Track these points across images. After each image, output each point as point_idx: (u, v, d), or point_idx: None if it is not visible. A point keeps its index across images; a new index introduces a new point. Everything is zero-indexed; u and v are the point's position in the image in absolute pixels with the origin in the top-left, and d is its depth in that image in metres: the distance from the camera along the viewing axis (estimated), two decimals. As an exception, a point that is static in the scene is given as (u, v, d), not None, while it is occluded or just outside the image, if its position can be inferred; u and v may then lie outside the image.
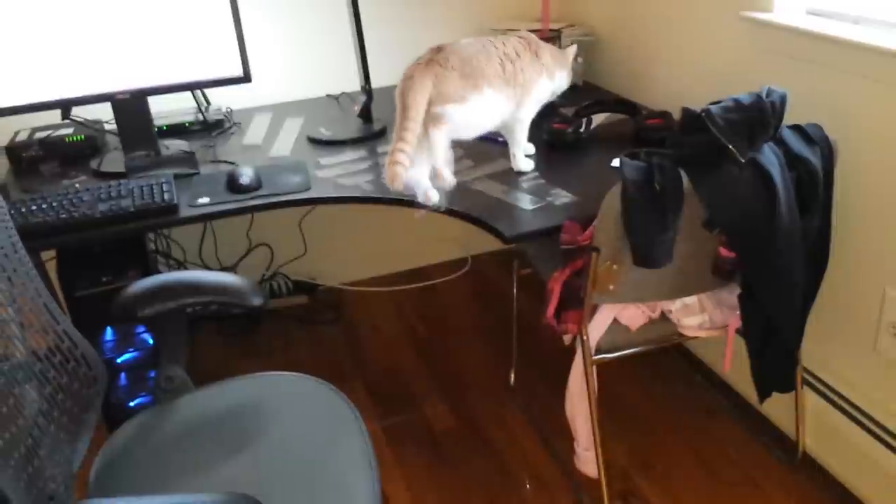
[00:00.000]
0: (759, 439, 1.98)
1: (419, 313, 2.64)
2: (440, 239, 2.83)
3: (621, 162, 1.42)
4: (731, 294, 1.62)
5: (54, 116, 1.95)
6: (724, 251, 1.50)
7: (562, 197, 1.66)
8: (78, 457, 1.18)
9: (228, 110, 2.29)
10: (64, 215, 1.61)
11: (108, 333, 1.89)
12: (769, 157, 1.41)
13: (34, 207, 1.62)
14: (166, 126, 2.16)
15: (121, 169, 1.87)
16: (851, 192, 1.58)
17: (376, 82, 2.14)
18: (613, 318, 1.64)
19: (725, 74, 1.90)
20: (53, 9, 1.76)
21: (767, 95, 1.42)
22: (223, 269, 2.57)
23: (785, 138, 1.47)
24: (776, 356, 1.62)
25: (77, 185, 1.81)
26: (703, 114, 1.38)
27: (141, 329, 1.91)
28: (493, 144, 1.92)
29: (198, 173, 1.86)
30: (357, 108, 2.17)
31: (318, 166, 1.90)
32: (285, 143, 2.07)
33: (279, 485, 1.18)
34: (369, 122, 2.15)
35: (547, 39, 2.06)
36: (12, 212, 1.60)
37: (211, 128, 2.19)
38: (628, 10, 2.28)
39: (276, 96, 2.42)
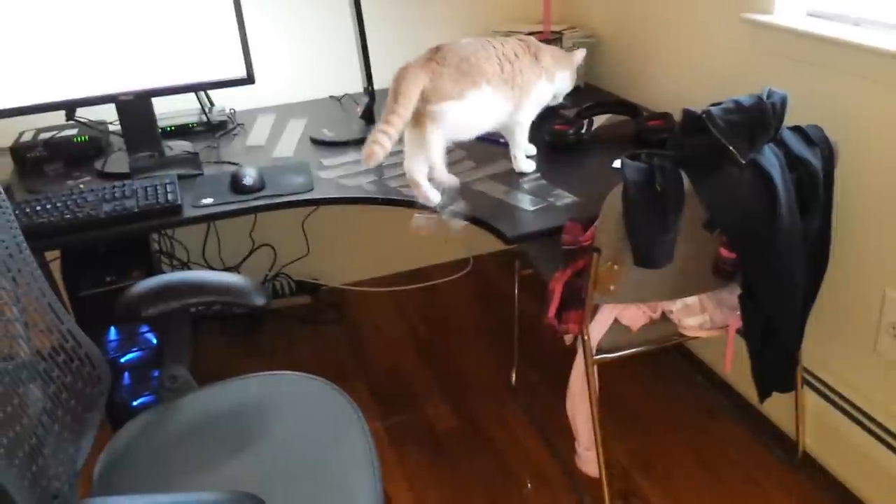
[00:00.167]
0: (759, 439, 1.98)
1: (421, 313, 2.65)
2: (442, 239, 2.83)
3: (622, 163, 1.42)
4: (732, 294, 1.63)
5: (59, 117, 1.95)
6: (724, 252, 1.51)
7: (563, 198, 1.67)
8: (82, 455, 1.19)
9: (232, 111, 2.29)
10: (68, 216, 1.62)
11: (112, 333, 1.90)
12: (770, 158, 1.42)
13: (39, 208, 1.63)
14: (170, 127, 2.17)
15: (125, 169, 1.88)
16: (852, 193, 1.58)
17: (379, 84, 2.15)
18: (614, 318, 1.65)
19: (726, 76, 1.90)
20: (58, 10, 1.77)
21: (768, 97, 1.42)
22: (226, 269, 2.58)
23: (785, 139, 1.47)
24: (776, 356, 1.63)
25: (81, 186, 1.82)
26: (704, 115, 1.39)
27: (144, 329, 1.92)
28: (494, 145, 1.93)
29: (201, 174, 1.87)
30: (359, 110, 2.17)
31: (321, 167, 1.91)
32: (288, 144, 2.08)
33: (282, 484, 1.19)
34: (372, 123, 2.14)
35: (548, 41, 2.07)
36: (17, 212, 1.61)
37: (214, 129, 2.20)
38: (629, 12, 2.28)
39: (279, 97, 2.43)
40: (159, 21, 1.85)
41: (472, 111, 1.62)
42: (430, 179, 1.65)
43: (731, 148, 1.37)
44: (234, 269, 2.59)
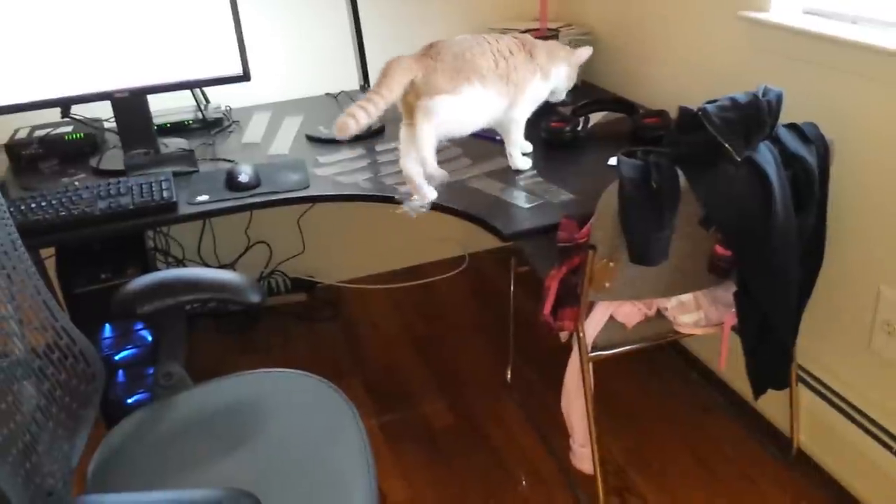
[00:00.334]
0: (754, 436, 1.98)
1: (417, 311, 2.65)
2: (438, 237, 2.83)
3: (618, 160, 1.42)
4: (727, 292, 1.63)
5: (54, 114, 1.95)
6: (719, 249, 1.51)
7: (559, 195, 1.67)
8: (76, 453, 1.18)
9: (228, 108, 2.29)
10: (63, 213, 1.61)
11: (107, 330, 1.90)
12: (765, 155, 1.42)
13: (34, 205, 1.63)
14: (166, 124, 2.16)
15: (120, 167, 1.87)
16: (847, 190, 1.58)
17: (374, 81, 2.14)
18: (610, 315, 1.65)
19: (722, 73, 1.91)
20: (53, 7, 1.77)
21: (764, 94, 1.42)
22: (222, 266, 2.58)
23: (781, 137, 1.47)
24: (771, 353, 1.63)
25: (76, 183, 1.82)
26: (700, 112, 1.39)
27: (139, 326, 1.92)
28: (490, 143, 1.93)
29: (197, 171, 1.87)
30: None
31: (317, 164, 1.91)
32: (284, 142, 2.08)
33: (277, 481, 1.19)
34: (368, 120, 2.15)
35: (545, 38, 2.07)
36: (12, 209, 1.60)
37: (210, 126, 2.19)
38: (626, 9, 2.28)
39: (275, 95, 2.42)
40: (155, 18, 1.85)
41: (465, 106, 1.61)
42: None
43: (726, 145, 1.37)
44: (229, 266, 2.59)
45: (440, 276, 2.83)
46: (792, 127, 1.51)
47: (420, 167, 1.63)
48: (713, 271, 1.56)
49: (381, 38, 2.27)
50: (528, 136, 1.84)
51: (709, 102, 1.41)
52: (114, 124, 1.99)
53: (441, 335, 2.51)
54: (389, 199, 1.71)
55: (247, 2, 2.07)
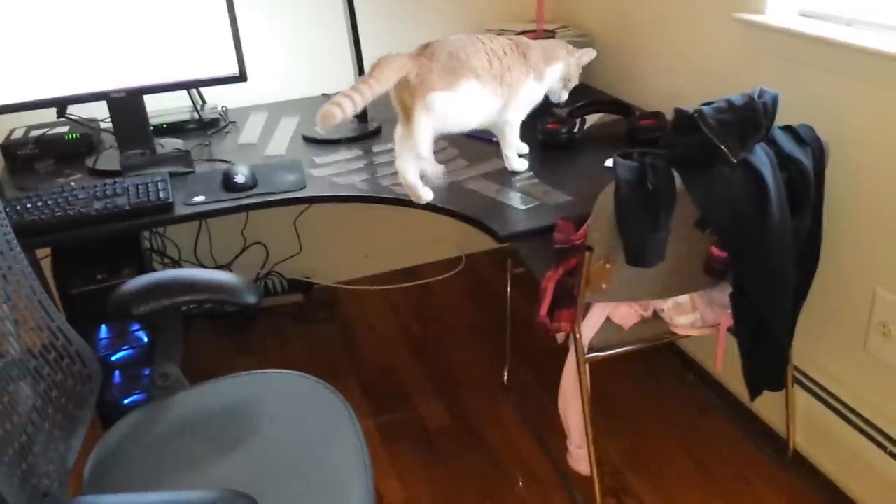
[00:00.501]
0: (750, 437, 1.99)
1: (414, 312, 2.65)
2: (435, 238, 2.83)
3: (615, 162, 1.42)
4: (723, 293, 1.63)
5: (50, 114, 1.94)
6: (715, 250, 1.51)
7: (555, 196, 1.67)
8: (72, 454, 1.18)
9: (224, 109, 2.29)
10: (59, 213, 1.61)
11: (103, 331, 1.90)
12: (761, 157, 1.42)
13: (29, 205, 1.63)
14: (162, 124, 2.16)
15: (116, 167, 1.87)
16: (842, 192, 1.59)
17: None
18: (606, 316, 1.65)
19: (718, 75, 1.91)
20: (50, 7, 1.77)
21: (759, 96, 1.42)
22: (218, 267, 2.58)
23: (777, 139, 1.48)
24: (767, 355, 1.63)
25: (72, 183, 1.81)
26: (696, 114, 1.39)
27: (136, 327, 1.92)
28: (487, 144, 1.93)
29: (193, 172, 1.87)
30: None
31: (314, 165, 1.91)
32: (281, 142, 2.08)
33: (273, 482, 1.19)
34: (364, 121, 2.15)
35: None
36: (7, 210, 1.60)
37: (206, 126, 2.19)
38: (622, 11, 2.29)
39: (271, 95, 2.42)
40: (152, 18, 1.85)
41: (461, 103, 1.61)
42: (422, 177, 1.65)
43: (722, 147, 1.37)
44: (225, 267, 2.59)
45: (437, 277, 2.83)
46: (787, 129, 1.52)
47: (416, 167, 1.64)
48: (709, 273, 1.57)
49: (377, 39, 2.26)
50: (525, 137, 1.84)
51: (705, 104, 1.41)
52: (110, 124, 1.99)
53: (437, 336, 2.51)
54: (386, 201, 1.71)
55: (243, 2, 2.07)
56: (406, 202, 1.68)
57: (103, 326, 1.89)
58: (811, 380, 1.79)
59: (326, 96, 2.42)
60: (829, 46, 1.55)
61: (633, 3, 2.22)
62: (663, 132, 1.74)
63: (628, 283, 1.55)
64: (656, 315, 1.68)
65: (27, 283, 1.19)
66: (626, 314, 1.65)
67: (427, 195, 1.65)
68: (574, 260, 1.54)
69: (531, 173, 1.80)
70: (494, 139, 1.85)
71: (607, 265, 1.50)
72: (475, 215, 1.60)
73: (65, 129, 2.04)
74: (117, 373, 1.91)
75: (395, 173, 1.69)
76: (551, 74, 1.79)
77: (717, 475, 1.89)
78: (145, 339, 1.92)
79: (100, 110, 2.04)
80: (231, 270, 2.54)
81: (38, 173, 1.93)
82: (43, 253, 1.96)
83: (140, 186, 1.70)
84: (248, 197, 1.73)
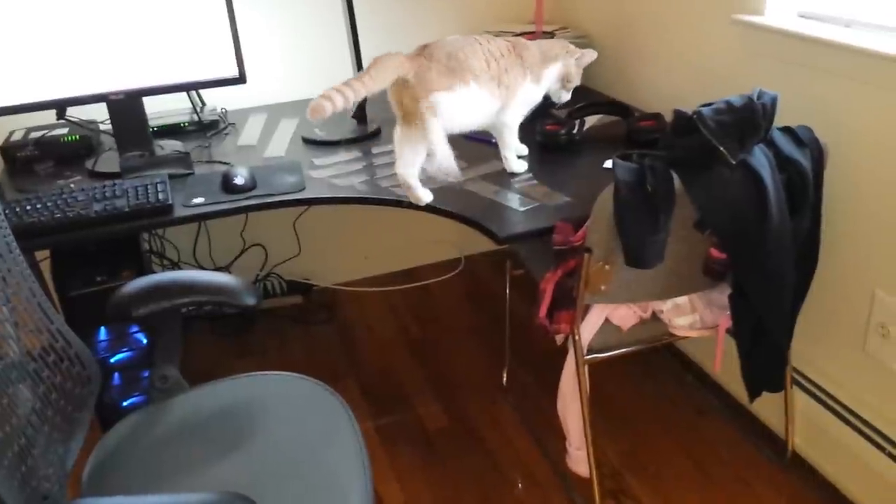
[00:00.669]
0: (749, 439, 1.99)
1: (413, 313, 2.65)
2: (434, 240, 2.83)
3: (614, 163, 1.42)
4: (722, 294, 1.63)
5: (49, 116, 1.94)
6: (714, 252, 1.52)
7: (554, 198, 1.67)
8: (71, 456, 1.18)
9: (223, 111, 2.29)
10: (58, 215, 1.61)
11: (102, 333, 1.90)
12: (760, 158, 1.42)
13: (29, 207, 1.63)
14: (161, 126, 2.16)
15: (115, 169, 1.87)
16: (841, 193, 1.59)
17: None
18: (605, 318, 1.65)
19: (717, 77, 1.91)
20: (49, 9, 1.77)
21: (758, 98, 1.42)
22: (217, 269, 2.58)
23: (775, 140, 1.48)
24: (766, 356, 1.64)
25: (72, 185, 1.81)
26: (695, 116, 1.39)
27: (135, 329, 1.91)
28: (486, 145, 1.93)
29: (192, 173, 1.87)
30: (351, 109, 2.17)
31: (313, 167, 1.91)
32: (280, 144, 2.08)
33: (273, 484, 1.19)
34: (363, 123, 2.15)
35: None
36: (7, 211, 1.60)
37: (206, 128, 2.19)
38: (621, 12, 2.29)
39: (271, 97, 2.42)
40: (151, 20, 1.85)
41: (461, 103, 1.60)
42: (421, 179, 1.65)
43: (721, 148, 1.37)
44: (225, 268, 2.59)
45: (436, 278, 2.83)
46: (786, 130, 1.52)
47: (415, 169, 1.64)
48: (708, 274, 1.57)
49: (376, 41, 2.26)
50: (524, 138, 1.85)
51: (704, 105, 1.42)
52: (109, 126, 1.99)
53: (436, 338, 2.51)
54: (385, 202, 1.71)
55: (243, 3, 2.07)
56: (405, 204, 1.68)
57: (102, 328, 1.89)
58: (810, 381, 1.79)
59: (325, 98, 2.43)
60: (828, 48, 1.55)
61: (633, 5, 2.22)
62: (662, 134, 1.75)
63: (627, 285, 1.56)
64: (655, 316, 1.68)
65: (26, 285, 1.19)
66: (626, 315, 1.65)
67: (426, 197, 1.65)
68: (573, 261, 1.54)
69: (530, 175, 1.80)
70: (493, 140, 1.85)
71: (606, 267, 1.50)
72: (474, 217, 1.60)
73: (64, 130, 2.04)
74: (116, 375, 1.91)
75: (395, 174, 1.69)
76: (549, 75, 1.79)
77: (717, 476, 1.89)
78: (144, 341, 1.92)
79: (99, 112, 2.04)
80: (230, 272, 2.54)
81: (38, 175, 1.93)
82: (42, 255, 1.96)
83: (139, 188, 1.70)
84: (247, 199, 1.73)
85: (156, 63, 1.89)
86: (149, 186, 1.70)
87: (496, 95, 1.68)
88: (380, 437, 2.07)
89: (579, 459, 1.74)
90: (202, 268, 2.54)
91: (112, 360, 1.90)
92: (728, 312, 1.62)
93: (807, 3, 1.71)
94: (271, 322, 2.61)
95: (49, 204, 1.64)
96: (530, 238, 1.57)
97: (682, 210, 1.41)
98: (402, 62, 1.56)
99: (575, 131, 1.96)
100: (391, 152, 1.69)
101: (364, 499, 1.18)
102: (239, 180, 1.76)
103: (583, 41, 2.41)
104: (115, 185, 1.72)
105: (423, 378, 2.31)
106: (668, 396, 2.17)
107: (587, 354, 1.64)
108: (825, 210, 1.56)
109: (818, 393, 1.77)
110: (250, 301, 1.34)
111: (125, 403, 1.91)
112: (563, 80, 1.83)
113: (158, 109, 2.20)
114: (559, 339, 1.67)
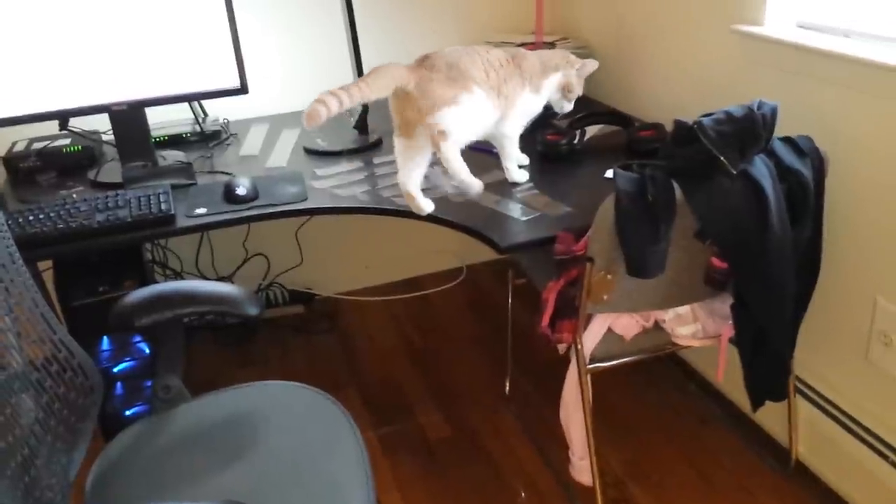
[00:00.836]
0: (752, 448, 1.98)
1: (414, 323, 2.65)
2: (435, 249, 2.84)
3: (614, 173, 1.43)
4: (724, 304, 1.63)
5: (52, 127, 1.95)
6: (716, 261, 1.52)
7: (556, 208, 1.67)
8: (74, 466, 1.18)
9: (225, 121, 2.30)
10: (61, 225, 1.62)
11: (105, 343, 1.90)
12: (760, 168, 1.43)
13: (31, 218, 1.63)
14: (163, 137, 2.17)
15: (118, 179, 1.87)
16: (842, 202, 1.59)
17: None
18: (608, 327, 1.65)
19: (717, 87, 1.92)
20: (52, 20, 1.78)
21: (759, 108, 1.43)
22: (220, 278, 2.58)
23: (776, 150, 1.48)
24: (768, 365, 1.64)
25: (74, 196, 1.82)
26: (695, 126, 1.40)
27: (137, 339, 1.92)
28: (487, 155, 1.93)
29: (195, 184, 1.87)
30: (353, 120, 2.18)
31: (315, 177, 1.91)
32: (282, 154, 2.08)
33: (275, 494, 1.19)
34: (365, 133, 2.16)
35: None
36: (9, 222, 1.60)
37: (208, 139, 2.20)
38: (621, 22, 2.30)
39: (272, 107, 2.43)
40: (153, 31, 1.86)
41: (466, 115, 1.60)
42: (425, 189, 1.65)
43: (721, 158, 1.38)
44: (227, 278, 2.59)
45: (437, 288, 2.83)
46: (787, 140, 1.52)
47: (416, 179, 1.64)
48: (710, 283, 1.57)
49: (378, 52, 2.27)
50: (525, 148, 1.85)
51: (704, 115, 1.42)
52: (112, 137, 2.00)
53: (438, 347, 2.51)
54: (387, 212, 1.71)
55: (244, 14, 2.08)
56: (407, 213, 1.69)
57: (105, 338, 1.89)
58: (813, 390, 1.79)
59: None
60: (827, 58, 1.56)
61: (633, 15, 2.23)
62: (663, 143, 1.75)
63: (629, 294, 1.56)
64: (657, 326, 1.69)
65: (29, 295, 1.19)
66: (628, 325, 1.65)
67: (428, 206, 1.66)
68: (575, 271, 1.54)
69: (531, 184, 1.81)
70: (494, 150, 1.86)
71: (608, 276, 1.50)
72: (476, 226, 1.61)
73: (66, 141, 2.05)
74: (119, 385, 1.91)
75: (397, 185, 1.69)
76: (548, 86, 1.79)
77: (719, 485, 1.88)
78: (147, 351, 1.92)
79: (101, 123, 2.05)
80: (233, 282, 2.55)
81: (40, 186, 1.93)
82: (45, 265, 1.97)
83: (142, 199, 1.71)
84: (249, 209, 1.74)
85: (158, 74, 1.89)
86: (151, 197, 1.71)
87: (496, 106, 1.68)
88: (381, 446, 2.07)
89: (582, 469, 1.74)
90: (205, 278, 2.54)
91: (115, 370, 1.90)
92: (730, 322, 1.62)
93: (806, 14, 1.72)
94: (273, 332, 2.61)
95: (52, 214, 1.64)
96: (532, 248, 1.58)
97: (682, 220, 1.41)
98: (402, 72, 1.56)
99: (576, 141, 1.96)
100: (393, 162, 1.69)
101: (366, 509, 1.18)
102: (241, 190, 1.76)
103: (583, 51, 2.42)
104: (117, 195, 1.72)
105: (424, 387, 2.31)
106: (670, 405, 2.17)
107: (590, 364, 1.64)
108: (826, 219, 1.56)
109: (821, 401, 1.77)
110: (253, 311, 1.35)
111: (128, 413, 1.91)
112: (564, 91, 1.83)
113: (160, 120, 2.20)
114: (561, 348, 1.67)
